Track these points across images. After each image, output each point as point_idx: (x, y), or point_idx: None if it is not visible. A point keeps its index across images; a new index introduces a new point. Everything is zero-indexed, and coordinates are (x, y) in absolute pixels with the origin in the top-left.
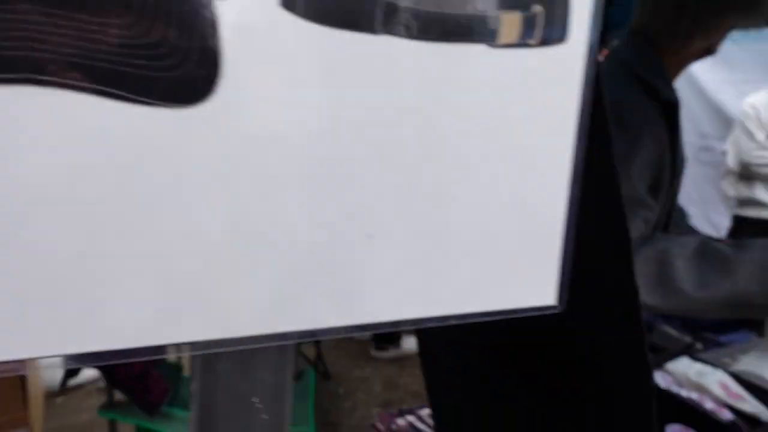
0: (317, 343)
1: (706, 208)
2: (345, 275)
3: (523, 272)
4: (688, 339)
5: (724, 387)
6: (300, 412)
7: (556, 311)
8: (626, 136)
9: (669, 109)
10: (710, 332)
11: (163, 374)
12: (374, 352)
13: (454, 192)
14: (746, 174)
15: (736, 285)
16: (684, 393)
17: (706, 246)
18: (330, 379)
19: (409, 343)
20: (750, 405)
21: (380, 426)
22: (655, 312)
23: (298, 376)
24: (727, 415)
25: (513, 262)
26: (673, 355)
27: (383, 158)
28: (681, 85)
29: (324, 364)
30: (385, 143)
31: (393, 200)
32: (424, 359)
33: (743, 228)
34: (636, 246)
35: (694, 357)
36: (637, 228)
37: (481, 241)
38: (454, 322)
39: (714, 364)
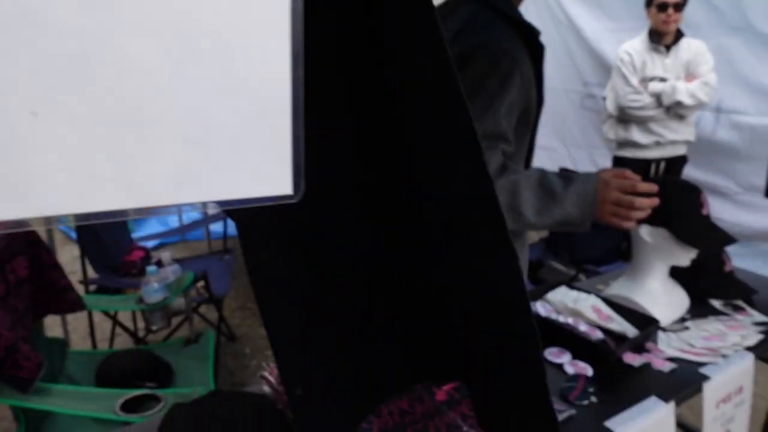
0: (219, 306)
1: (592, 151)
2: (8, 159)
3: (250, 160)
4: (572, 272)
5: (597, 310)
6: (199, 374)
7: (293, 201)
8: (499, 75)
9: (531, 39)
10: (592, 264)
11: (37, 348)
12: None
13: (147, 66)
14: (623, 117)
15: (564, 211)
16: (561, 319)
17: (544, 179)
18: (235, 340)
19: None
20: (618, 324)
21: (269, 376)
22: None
23: (197, 338)
24: (598, 335)
25: (236, 149)
26: (553, 285)
27: (44, 13)
28: (566, 36)
29: (227, 325)
30: None
31: (62, 71)
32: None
33: (622, 167)
34: (494, 176)
35: (571, 286)
36: (496, 160)
37: (189, 125)
38: (168, 213)
39: (588, 291)
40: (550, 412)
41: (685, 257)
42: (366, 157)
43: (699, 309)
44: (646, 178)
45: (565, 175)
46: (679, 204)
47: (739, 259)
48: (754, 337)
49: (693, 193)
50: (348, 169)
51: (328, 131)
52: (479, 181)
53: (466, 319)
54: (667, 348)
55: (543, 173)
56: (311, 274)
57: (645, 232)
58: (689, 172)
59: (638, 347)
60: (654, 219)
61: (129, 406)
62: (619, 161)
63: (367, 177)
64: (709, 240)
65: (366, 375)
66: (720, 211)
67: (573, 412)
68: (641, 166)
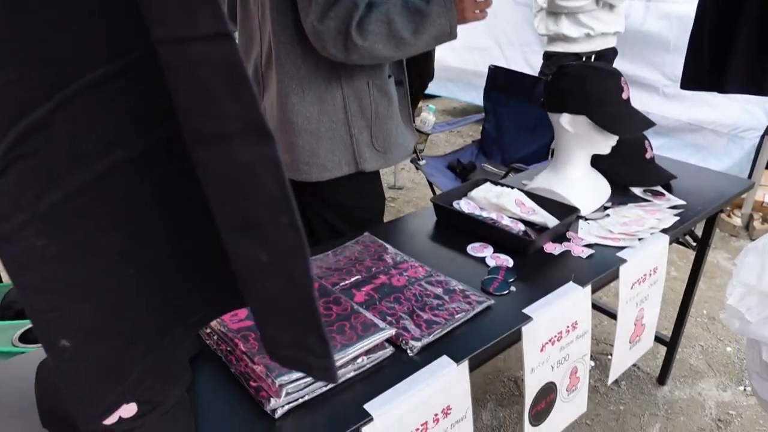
0: None
1: (524, 49)
2: None
3: None
4: (503, 171)
5: (520, 204)
6: None
7: None
8: None
9: None
10: (523, 164)
11: None
12: None
13: None
14: (553, 10)
15: (434, 23)
16: (485, 214)
17: (407, 2)
18: None
19: None
20: (539, 216)
21: None
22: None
23: None
24: (520, 228)
25: None
26: (477, 182)
27: None
28: None
29: None
30: None
31: None
32: None
33: (552, 62)
34: (366, 15)
35: (495, 182)
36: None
37: None
38: None
39: (511, 186)
40: (318, 326)
41: (605, 144)
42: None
43: (620, 197)
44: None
45: None
46: (598, 89)
47: (666, 151)
48: (670, 220)
49: (612, 78)
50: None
51: None
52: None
53: (226, 223)
54: (587, 236)
55: None
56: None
57: (565, 121)
58: (618, 65)
59: (559, 237)
60: (574, 107)
61: (28, 338)
62: (549, 56)
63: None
64: (628, 125)
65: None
66: (648, 104)
67: (491, 302)
68: (572, 61)
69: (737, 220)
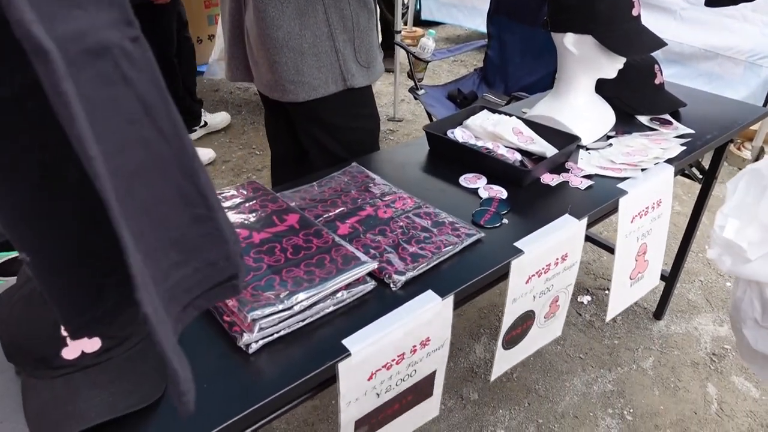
0: None
1: None
2: None
3: None
4: (505, 99)
5: (518, 132)
6: None
7: None
8: None
9: None
10: (526, 92)
11: None
12: None
13: None
14: None
15: None
16: (480, 144)
17: None
18: None
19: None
20: (538, 145)
21: None
22: None
23: None
24: (517, 157)
25: None
26: (473, 110)
27: None
28: None
29: None
30: None
31: None
32: None
33: None
34: None
35: (492, 110)
36: None
37: None
38: None
39: (509, 114)
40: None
41: (611, 67)
42: None
43: (625, 125)
44: None
45: None
46: (606, 5)
47: (679, 80)
48: (676, 149)
49: None
50: None
51: None
52: None
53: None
54: (587, 166)
55: None
56: None
57: (570, 41)
58: None
59: (558, 167)
60: (579, 25)
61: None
62: None
63: None
64: (638, 45)
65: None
66: (663, 28)
67: (482, 235)
68: None
69: (747, 153)
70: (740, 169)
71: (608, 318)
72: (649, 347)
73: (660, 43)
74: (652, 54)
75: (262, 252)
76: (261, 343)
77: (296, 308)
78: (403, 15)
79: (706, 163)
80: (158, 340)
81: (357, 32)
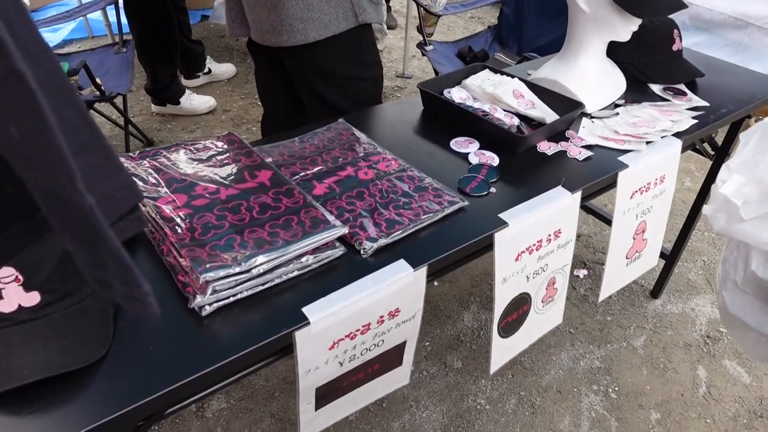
0: (120, 107)
1: None
2: None
3: None
4: (510, 60)
5: (518, 95)
6: None
7: None
8: None
9: None
10: (539, 54)
11: None
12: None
13: None
14: None
15: None
16: (477, 105)
17: None
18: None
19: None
20: (538, 111)
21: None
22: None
23: None
24: (515, 122)
25: None
26: (474, 68)
27: None
28: None
29: (139, 129)
30: None
31: None
32: None
33: None
34: None
35: (495, 69)
36: None
37: None
38: None
39: (512, 75)
40: (105, 242)
41: (625, 30)
42: None
43: (636, 94)
44: None
45: None
46: None
47: (703, 50)
48: (686, 122)
49: None
50: None
51: None
52: None
53: None
54: (588, 136)
55: None
56: None
57: None
58: None
59: (557, 135)
60: None
61: None
62: None
63: None
64: (653, 5)
65: None
66: None
67: (465, 203)
68: None
69: None
70: None
71: (600, 299)
72: (642, 326)
73: (680, 4)
74: (673, 17)
75: (227, 209)
76: (215, 305)
77: (254, 272)
78: None
79: (720, 139)
80: (106, 236)
81: None
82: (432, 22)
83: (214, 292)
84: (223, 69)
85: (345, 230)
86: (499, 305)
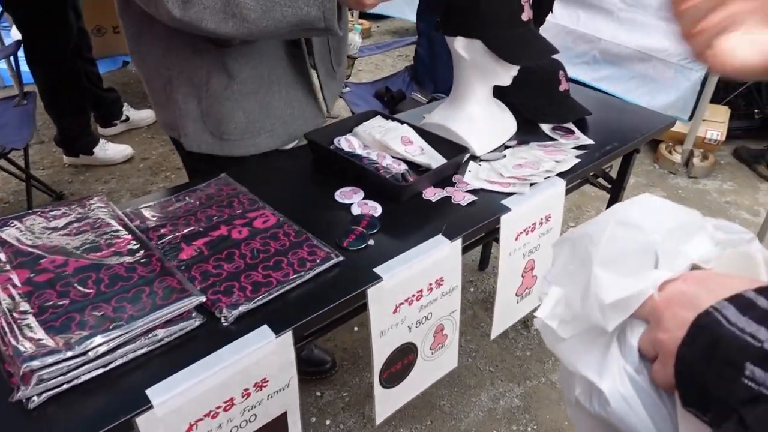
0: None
1: None
2: None
3: None
4: (426, 99)
5: (406, 141)
6: None
7: None
8: None
9: None
10: (442, 93)
11: None
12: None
13: None
14: None
15: (300, 10)
16: (365, 153)
17: None
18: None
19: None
20: (426, 156)
21: None
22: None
23: None
24: (402, 169)
25: None
26: (366, 116)
27: None
28: None
29: (43, 183)
30: None
31: None
32: None
33: None
34: None
35: (386, 116)
36: None
37: None
38: None
39: (401, 121)
40: None
41: (504, 74)
42: None
43: (526, 135)
44: None
45: None
46: (492, 9)
47: (613, 82)
48: (570, 162)
49: None
50: None
51: None
52: None
53: None
54: (474, 180)
55: None
56: None
57: (460, 45)
58: None
59: (444, 180)
60: (468, 29)
61: None
62: None
63: None
64: (526, 52)
65: None
66: (600, 28)
67: (340, 259)
68: None
69: (677, 157)
70: (671, 172)
71: (492, 336)
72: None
73: (551, 50)
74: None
75: (71, 285)
76: (45, 395)
77: (91, 354)
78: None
79: (617, 170)
80: None
81: (206, 94)
82: (348, 64)
83: (41, 381)
84: (142, 115)
85: (202, 298)
86: (379, 358)
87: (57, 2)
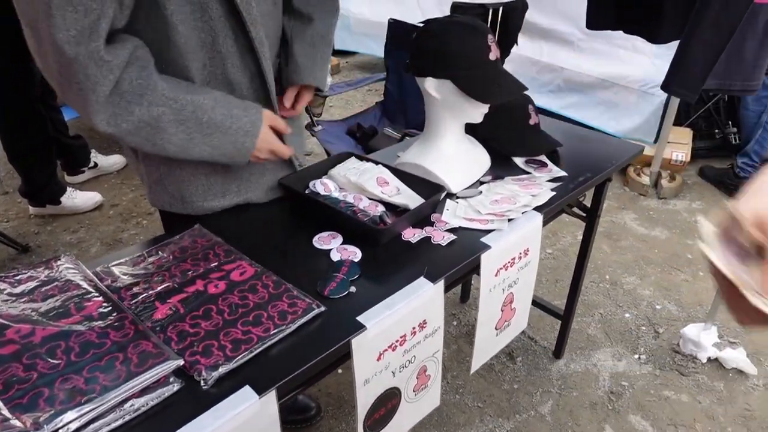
0: None
1: (440, 0)
2: None
3: None
4: (399, 135)
5: (382, 182)
6: None
7: None
8: None
9: None
10: (421, 126)
11: None
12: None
13: None
14: None
15: (216, 150)
16: (341, 196)
17: (196, 103)
18: (30, 251)
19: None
20: (403, 197)
21: None
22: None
23: None
24: (379, 210)
25: None
26: (340, 158)
27: None
28: None
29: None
30: None
31: None
32: None
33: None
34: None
35: (361, 157)
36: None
37: None
38: None
39: (376, 162)
40: None
41: (475, 112)
42: None
43: (500, 169)
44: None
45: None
46: (460, 49)
47: (580, 109)
48: (546, 195)
49: (476, 36)
50: None
51: None
52: None
53: None
54: (452, 218)
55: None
56: None
57: (431, 86)
58: (533, 18)
59: (423, 220)
60: (437, 70)
61: None
62: (455, 8)
63: None
64: (495, 90)
65: None
66: (562, 58)
67: (322, 309)
68: (479, 13)
69: (646, 179)
70: (640, 194)
71: (472, 371)
72: (549, 389)
73: (520, 88)
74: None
75: (39, 356)
76: None
77: None
78: None
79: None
80: None
81: (163, 157)
82: (319, 102)
83: None
84: (110, 161)
85: (180, 362)
86: (363, 406)
87: (20, 50)
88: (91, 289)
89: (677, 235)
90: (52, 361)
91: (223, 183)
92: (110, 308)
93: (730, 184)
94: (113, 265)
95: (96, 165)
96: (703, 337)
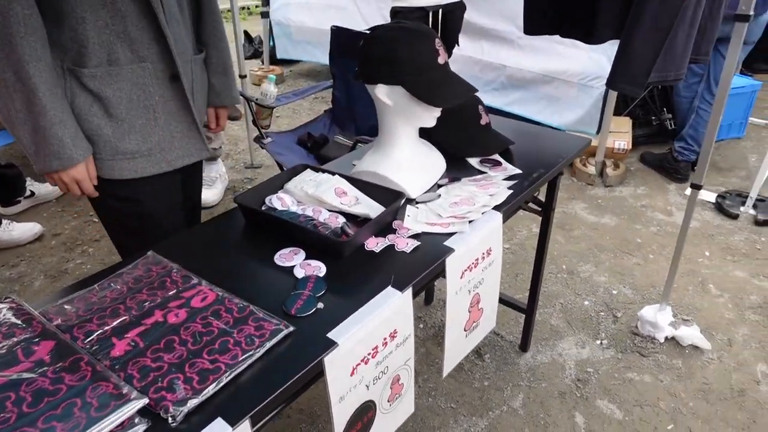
0: None
1: (380, 5)
2: None
3: None
4: (351, 142)
5: (340, 193)
6: None
7: None
8: None
9: None
10: (372, 131)
11: None
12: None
13: None
14: None
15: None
16: (301, 210)
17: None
18: None
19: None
20: (362, 206)
21: None
22: None
23: None
24: (340, 222)
25: None
26: (295, 171)
27: None
28: None
29: None
30: None
31: None
32: None
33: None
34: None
35: (316, 168)
36: None
37: None
38: None
39: (332, 172)
40: None
41: (428, 116)
42: None
43: (455, 171)
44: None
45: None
46: (409, 55)
47: (524, 104)
48: (503, 194)
49: (424, 41)
50: None
51: None
52: None
53: None
54: (413, 224)
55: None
56: None
57: (382, 92)
58: (473, 18)
59: (385, 228)
60: (387, 76)
61: None
62: (395, 13)
63: None
64: (447, 94)
65: None
66: (503, 56)
67: (290, 329)
68: (419, 16)
69: (592, 169)
70: (588, 183)
71: (444, 374)
72: (518, 383)
73: (470, 90)
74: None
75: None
76: None
77: None
78: (260, 54)
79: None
80: None
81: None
82: (266, 114)
83: None
84: (48, 189)
85: (144, 400)
86: (339, 425)
87: None
88: (39, 332)
89: (626, 221)
90: (1, 415)
91: (132, 142)
92: (62, 350)
93: (669, 167)
94: (62, 302)
95: (33, 194)
96: (659, 318)
